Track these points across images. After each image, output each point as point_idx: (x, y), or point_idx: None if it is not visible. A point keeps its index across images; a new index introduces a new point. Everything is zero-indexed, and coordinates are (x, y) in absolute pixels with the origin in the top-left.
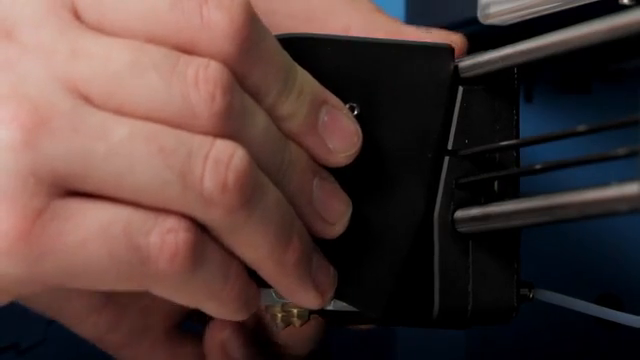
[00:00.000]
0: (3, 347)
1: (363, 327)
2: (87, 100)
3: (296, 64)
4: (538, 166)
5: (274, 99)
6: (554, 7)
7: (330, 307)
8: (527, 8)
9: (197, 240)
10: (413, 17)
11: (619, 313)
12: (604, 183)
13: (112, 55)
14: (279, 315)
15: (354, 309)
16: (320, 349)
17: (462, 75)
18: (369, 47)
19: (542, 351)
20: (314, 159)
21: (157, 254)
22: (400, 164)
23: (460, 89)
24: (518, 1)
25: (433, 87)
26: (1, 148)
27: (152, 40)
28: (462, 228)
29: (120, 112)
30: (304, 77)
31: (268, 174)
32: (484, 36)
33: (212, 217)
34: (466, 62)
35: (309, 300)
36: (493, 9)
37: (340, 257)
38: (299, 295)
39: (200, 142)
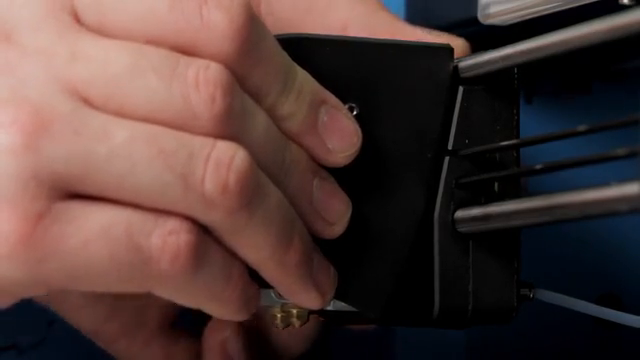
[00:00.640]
0: (3, 347)
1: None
2: (87, 102)
3: (295, 64)
4: (538, 166)
5: (274, 99)
6: (554, 7)
7: (330, 307)
8: (527, 8)
9: (199, 241)
10: (413, 17)
11: (619, 313)
12: (604, 183)
13: (111, 57)
14: (279, 316)
15: (353, 309)
16: (318, 349)
17: (462, 75)
18: (368, 47)
19: (542, 351)
20: (314, 159)
21: (159, 255)
22: (399, 164)
23: (460, 89)
24: (518, 1)
25: (432, 87)
26: (1, 152)
27: (152, 41)
28: (462, 228)
29: (120, 114)
30: (303, 77)
31: (269, 174)
32: (484, 36)
33: (213, 218)
34: (466, 62)
35: (310, 300)
36: (493, 9)
37: (340, 257)
38: (300, 295)
39: (201, 144)
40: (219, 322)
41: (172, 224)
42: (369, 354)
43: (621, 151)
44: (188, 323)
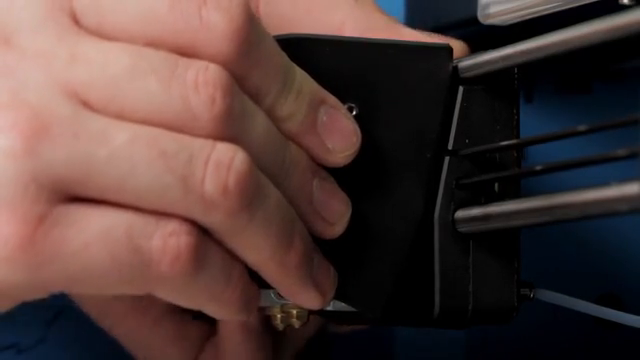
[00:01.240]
0: (3, 347)
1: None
2: (87, 105)
3: (295, 65)
4: (538, 167)
5: (273, 100)
6: (554, 7)
7: (329, 307)
8: (527, 8)
9: (199, 243)
10: (413, 17)
11: (619, 313)
12: (604, 183)
13: (111, 59)
14: (278, 316)
15: (353, 309)
16: (318, 349)
17: (462, 75)
18: (367, 47)
19: (542, 351)
20: (313, 159)
21: (159, 257)
22: (399, 164)
23: (460, 89)
24: (518, 1)
25: (432, 87)
26: (1, 155)
27: (151, 43)
28: (462, 228)
29: (120, 117)
30: (303, 77)
31: (269, 175)
32: (484, 36)
33: (214, 220)
34: (466, 62)
35: (310, 300)
36: (493, 9)
37: (339, 257)
38: (300, 296)
39: (201, 145)
40: None
41: (172, 226)
42: (369, 354)
43: (621, 152)
44: None
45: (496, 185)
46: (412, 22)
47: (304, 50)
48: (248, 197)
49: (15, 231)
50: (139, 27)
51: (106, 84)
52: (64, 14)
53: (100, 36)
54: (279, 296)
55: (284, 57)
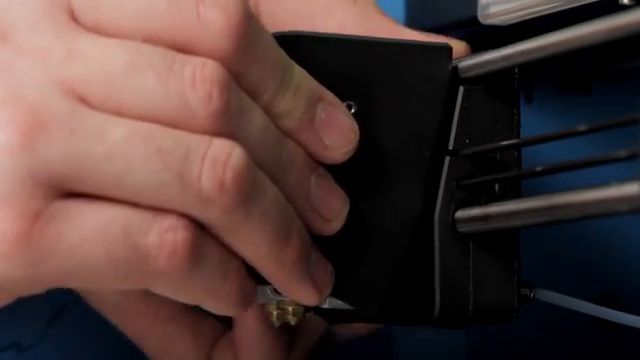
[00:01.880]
0: (3, 347)
1: (361, 331)
2: (84, 102)
3: (293, 62)
4: (539, 168)
5: (271, 97)
6: (554, 7)
7: (326, 305)
8: (527, 8)
9: (196, 238)
10: (413, 17)
11: (619, 313)
12: (604, 183)
13: (108, 56)
14: (274, 313)
15: (349, 307)
16: (318, 349)
17: (462, 75)
18: (367, 45)
19: (542, 351)
20: (311, 156)
21: (156, 253)
22: (397, 162)
23: (461, 89)
24: (518, 1)
25: (431, 86)
26: None
27: (149, 40)
28: (463, 228)
29: (118, 113)
30: (301, 74)
31: (266, 172)
32: (484, 36)
33: (210, 216)
34: (466, 62)
35: (307, 297)
36: (493, 9)
37: (336, 254)
38: (297, 292)
39: (198, 141)
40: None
41: (169, 221)
42: (369, 354)
43: (622, 153)
44: None
45: (497, 186)
46: (412, 22)
47: (303, 47)
48: (245, 193)
49: (12, 226)
50: (137, 24)
51: (103, 80)
52: (62, 11)
53: (98, 33)
54: (275, 292)
55: (282, 54)
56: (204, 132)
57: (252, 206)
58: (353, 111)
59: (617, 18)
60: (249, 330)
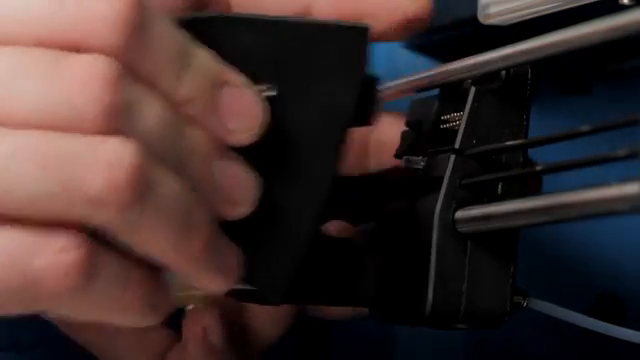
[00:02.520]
0: (3, 347)
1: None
2: None
3: (195, 46)
4: (539, 167)
5: (169, 85)
6: (554, 7)
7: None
8: (527, 8)
9: (89, 254)
10: None
11: (618, 328)
12: (604, 183)
13: None
14: (182, 296)
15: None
16: (317, 348)
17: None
18: (283, 26)
19: (542, 353)
20: (217, 140)
21: (46, 276)
22: (311, 144)
23: (472, 89)
24: (518, 1)
25: (347, 67)
26: None
27: (38, 43)
28: (462, 228)
29: (5, 124)
30: (203, 58)
31: (167, 164)
32: (484, 36)
33: (105, 218)
34: (466, 62)
35: (214, 284)
36: (493, 9)
37: (244, 238)
38: (204, 281)
39: (87, 145)
40: (199, 311)
41: (60, 241)
42: (369, 354)
43: (622, 152)
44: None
45: (499, 187)
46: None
47: (217, 30)
48: (138, 190)
49: None
50: (22, 28)
51: None
52: None
53: None
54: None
55: (179, 39)
56: (96, 132)
57: (148, 202)
58: (269, 94)
59: (617, 18)
60: (195, 350)
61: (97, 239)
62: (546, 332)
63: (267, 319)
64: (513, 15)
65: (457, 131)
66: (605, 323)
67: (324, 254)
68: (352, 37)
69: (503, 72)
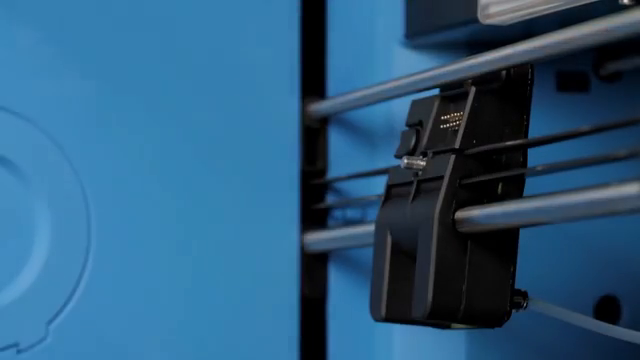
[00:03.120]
0: (3, 347)
1: None
2: None
3: None
4: (540, 168)
5: None
6: (554, 7)
7: None
8: (527, 8)
9: None
10: (413, 17)
11: (617, 328)
12: (604, 183)
13: None
14: None
15: None
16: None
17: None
18: None
19: (542, 352)
20: None
21: None
22: None
23: (472, 89)
24: (518, 1)
25: None
26: None
27: None
28: (462, 228)
29: None
30: None
31: None
32: (484, 36)
33: None
34: (466, 62)
35: None
36: (493, 9)
37: None
38: None
39: None
40: None
41: None
42: (369, 354)
43: (622, 152)
44: None
45: (499, 187)
46: (412, 22)
47: None
48: None
49: None
50: None
51: None
52: None
53: None
54: None
55: None
56: None
57: None
58: None
59: (617, 18)
60: None
61: None
62: (546, 327)
63: None
64: (513, 15)
65: (457, 131)
66: (605, 323)
67: None
68: None
69: (503, 72)
